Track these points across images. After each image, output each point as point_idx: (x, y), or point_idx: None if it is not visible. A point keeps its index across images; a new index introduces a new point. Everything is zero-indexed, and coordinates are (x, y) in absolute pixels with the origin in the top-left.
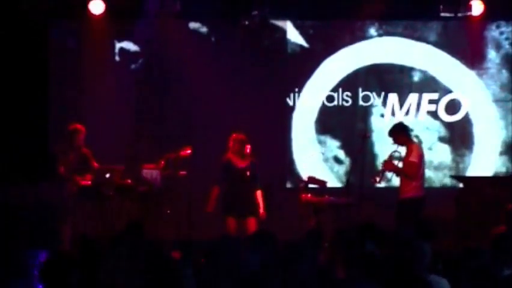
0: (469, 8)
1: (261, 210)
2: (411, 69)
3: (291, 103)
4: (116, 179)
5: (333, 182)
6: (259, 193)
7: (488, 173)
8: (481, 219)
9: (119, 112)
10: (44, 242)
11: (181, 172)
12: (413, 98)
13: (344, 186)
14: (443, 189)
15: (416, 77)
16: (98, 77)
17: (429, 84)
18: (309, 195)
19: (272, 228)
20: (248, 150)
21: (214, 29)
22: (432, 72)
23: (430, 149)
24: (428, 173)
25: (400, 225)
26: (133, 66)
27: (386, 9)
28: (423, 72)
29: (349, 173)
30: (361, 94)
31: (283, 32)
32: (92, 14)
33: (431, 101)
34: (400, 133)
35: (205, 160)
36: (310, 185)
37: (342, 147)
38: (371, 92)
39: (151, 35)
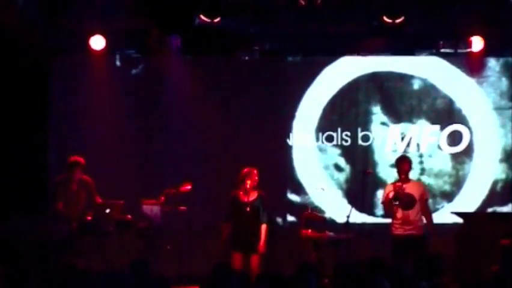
0: (469, 44)
1: (261, 244)
2: (411, 77)
3: (290, 143)
4: (116, 214)
5: (333, 190)
6: (263, 227)
7: (488, 180)
8: (482, 255)
9: (118, 147)
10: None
11: (181, 208)
12: (414, 129)
13: (344, 222)
14: (444, 226)
15: (416, 85)
16: (98, 112)
17: (428, 92)
18: (309, 230)
19: (274, 263)
20: (254, 184)
21: (214, 64)
22: (432, 80)
23: (430, 156)
24: (428, 180)
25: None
26: (132, 101)
27: (386, 45)
28: (423, 80)
29: (350, 209)
30: (360, 134)
31: (283, 66)
32: (92, 49)
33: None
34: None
35: (205, 196)
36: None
37: (343, 154)
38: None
39: (150, 70)
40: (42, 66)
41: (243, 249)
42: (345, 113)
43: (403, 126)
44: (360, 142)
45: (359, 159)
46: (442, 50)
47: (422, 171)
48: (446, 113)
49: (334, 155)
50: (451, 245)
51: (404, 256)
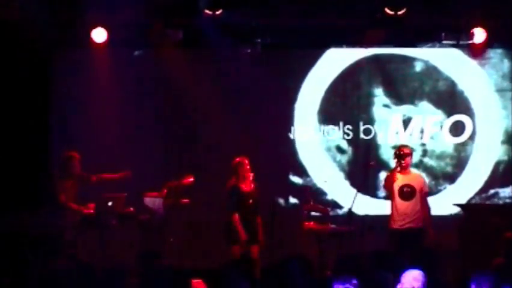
0: (471, 36)
1: (261, 234)
2: (413, 59)
3: (292, 136)
4: (118, 207)
5: (335, 172)
6: (259, 218)
7: (490, 162)
8: (484, 248)
9: (121, 139)
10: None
11: (184, 200)
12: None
13: (347, 214)
14: (446, 217)
15: (418, 67)
16: (100, 105)
17: (430, 74)
18: (312, 223)
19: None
20: (251, 175)
21: (216, 57)
22: (434, 62)
23: (432, 138)
24: (430, 161)
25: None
26: (134, 94)
27: (387, 37)
28: (425, 62)
29: (352, 202)
30: (362, 127)
31: (285, 59)
32: (94, 42)
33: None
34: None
35: (208, 188)
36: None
37: (344, 136)
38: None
39: (152, 63)
40: (43, 60)
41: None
42: (347, 96)
43: (405, 109)
44: (362, 124)
45: (361, 141)
46: (444, 42)
47: (424, 153)
48: (448, 95)
49: (336, 137)
50: (451, 238)
51: (400, 249)
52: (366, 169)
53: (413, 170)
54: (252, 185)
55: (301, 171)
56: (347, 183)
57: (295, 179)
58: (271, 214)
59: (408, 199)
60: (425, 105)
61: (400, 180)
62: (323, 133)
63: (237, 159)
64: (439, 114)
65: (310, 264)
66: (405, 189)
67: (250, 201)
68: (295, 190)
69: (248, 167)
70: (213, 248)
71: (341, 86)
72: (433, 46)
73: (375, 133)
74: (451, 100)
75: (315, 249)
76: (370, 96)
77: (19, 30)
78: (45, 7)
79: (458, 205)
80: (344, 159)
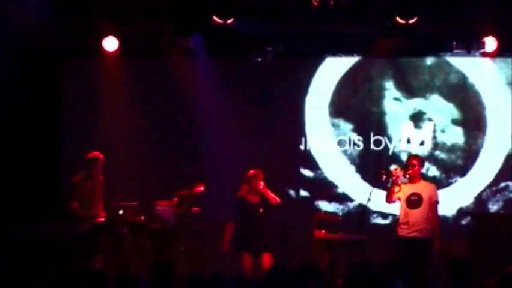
0: (482, 45)
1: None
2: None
3: (302, 147)
4: (130, 215)
5: (345, 165)
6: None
7: (501, 154)
8: (495, 256)
9: (132, 148)
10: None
11: (194, 209)
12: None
13: (357, 223)
14: (457, 226)
15: (429, 61)
16: (112, 113)
17: (441, 67)
18: (323, 231)
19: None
20: (261, 187)
21: (227, 65)
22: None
23: (443, 131)
24: (441, 155)
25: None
26: (145, 102)
27: (399, 46)
28: (437, 56)
29: (362, 211)
30: (372, 138)
31: (295, 67)
32: (106, 51)
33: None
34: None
35: (218, 197)
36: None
37: (356, 129)
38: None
39: (162, 71)
40: (56, 69)
41: (253, 250)
42: (358, 89)
43: (416, 102)
44: (373, 117)
45: (372, 134)
46: (455, 51)
47: (435, 146)
48: (459, 88)
49: (347, 130)
50: (460, 247)
51: (407, 257)
52: (375, 179)
53: (426, 180)
54: (259, 196)
55: (313, 165)
56: (357, 176)
57: (307, 172)
58: (282, 223)
59: (415, 207)
60: (436, 99)
61: (408, 188)
62: (334, 126)
63: (252, 171)
64: (450, 107)
65: (321, 273)
66: (412, 198)
67: (261, 210)
68: (307, 183)
69: (260, 181)
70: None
71: (351, 78)
72: (444, 55)
73: (386, 127)
74: (462, 93)
75: (325, 258)
76: (381, 89)
77: (31, 39)
78: (57, 16)
79: (469, 213)
80: (354, 152)
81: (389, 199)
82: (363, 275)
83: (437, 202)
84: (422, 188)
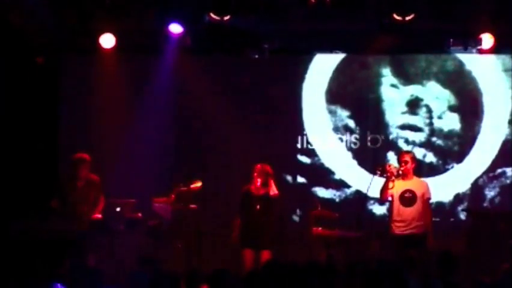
0: (479, 42)
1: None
2: None
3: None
4: (127, 212)
5: (342, 150)
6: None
7: (498, 141)
8: (493, 253)
9: (128, 145)
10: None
11: (192, 206)
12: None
13: (355, 220)
14: (454, 222)
15: None
16: (108, 110)
17: (438, 54)
18: (320, 228)
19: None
20: (258, 184)
21: (224, 63)
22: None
23: (440, 117)
24: (438, 141)
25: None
26: (143, 99)
27: (396, 44)
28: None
29: (360, 208)
30: (369, 125)
31: (292, 64)
32: (103, 48)
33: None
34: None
35: (216, 194)
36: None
37: (352, 116)
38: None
39: (160, 68)
40: (52, 66)
41: (253, 246)
42: (355, 75)
43: (413, 88)
44: (369, 103)
45: (369, 120)
46: (452, 48)
47: (432, 132)
48: (456, 75)
49: (343, 116)
50: (456, 243)
51: (402, 255)
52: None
53: (417, 177)
54: (262, 191)
55: (310, 151)
56: (354, 162)
57: (304, 159)
58: (279, 220)
59: (409, 205)
60: (432, 85)
61: (401, 185)
62: (331, 113)
63: (258, 165)
64: (447, 94)
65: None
66: (406, 195)
67: (258, 206)
68: (304, 169)
69: (256, 173)
70: (221, 253)
71: (348, 65)
72: (441, 53)
73: (383, 113)
74: (459, 80)
75: (323, 254)
76: (378, 76)
77: (28, 36)
78: (54, 13)
79: (467, 211)
80: (351, 138)
81: (384, 195)
82: (360, 271)
83: (429, 199)
84: (415, 185)
